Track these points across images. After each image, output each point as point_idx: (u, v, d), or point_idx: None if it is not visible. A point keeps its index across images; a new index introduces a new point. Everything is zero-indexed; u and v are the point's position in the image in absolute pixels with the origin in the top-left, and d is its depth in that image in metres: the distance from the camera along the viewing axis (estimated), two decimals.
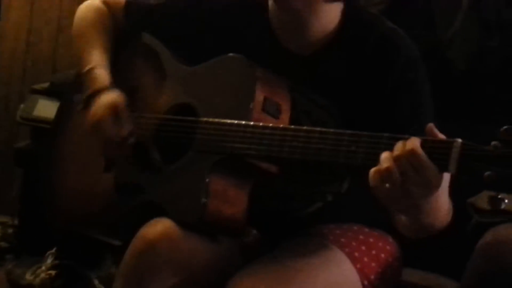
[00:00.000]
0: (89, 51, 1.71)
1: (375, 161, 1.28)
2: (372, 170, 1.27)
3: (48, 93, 2.76)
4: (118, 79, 1.71)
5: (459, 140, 1.22)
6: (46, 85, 2.81)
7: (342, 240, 1.57)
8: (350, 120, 1.52)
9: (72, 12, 1.86)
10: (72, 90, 1.86)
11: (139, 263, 1.48)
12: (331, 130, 1.38)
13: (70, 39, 3.14)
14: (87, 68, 1.69)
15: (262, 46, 1.61)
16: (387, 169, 1.25)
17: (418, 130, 1.31)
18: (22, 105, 2.82)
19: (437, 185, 1.26)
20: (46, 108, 2.70)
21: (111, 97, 1.65)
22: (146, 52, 1.72)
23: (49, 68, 3.23)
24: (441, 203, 1.34)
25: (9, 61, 3.26)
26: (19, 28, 3.24)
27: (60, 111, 1.88)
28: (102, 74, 1.68)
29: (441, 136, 1.27)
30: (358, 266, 1.54)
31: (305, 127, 1.41)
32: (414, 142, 1.25)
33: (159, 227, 1.50)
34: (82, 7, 1.80)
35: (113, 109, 1.63)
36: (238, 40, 1.62)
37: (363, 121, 1.47)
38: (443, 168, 1.24)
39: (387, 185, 1.25)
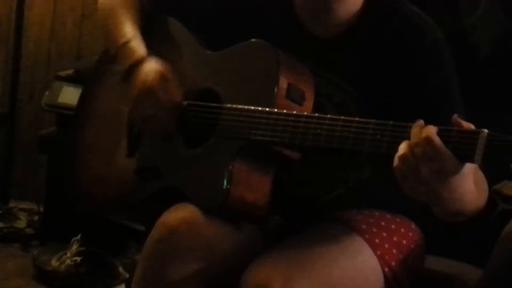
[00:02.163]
0: (120, 27, 1.69)
1: None
2: (395, 157, 1.26)
3: (73, 80, 2.78)
4: None
5: (485, 130, 1.20)
6: (70, 72, 2.83)
7: (363, 226, 1.55)
8: (371, 104, 1.50)
9: None
10: (97, 70, 1.85)
11: (161, 249, 1.48)
12: (356, 118, 1.37)
13: (94, 26, 3.20)
14: (122, 41, 1.66)
15: (285, 29, 1.60)
16: (402, 156, 1.25)
17: (449, 112, 1.29)
18: (46, 92, 2.84)
19: (454, 173, 1.24)
20: (71, 95, 2.71)
21: (156, 64, 1.63)
22: (170, 37, 1.71)
23: (73, 55, 3.25)
24: (466, 190, 1.30)
25: (33, 48, 3.28)
26: (43, 15, 3.26)
27: (82, 97, 1.88)
28: (140, 45, 1.66)
29: (467, 125, 1.24)
30: (378, 252, 1.52)
31: (329, 115, 1.40)
32: (429, 130, 1.24)
33: (180, 213, 1.50)
34: None
35: (163, 74, 1.61)
36: (261, 24, 1.61)
37: (386, 105, 1.45)
38: (469, 159, 1.22)
39: (405, 172, 1.24)
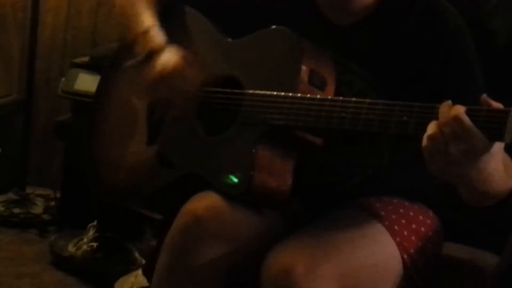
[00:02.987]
0: (139, 16, 1.69)
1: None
2: (424, 137, 1.26)
3: (88, 67, 2.79)
4: None
5: None
6: (86, 59, 2.84)
7: (382, 213, 1.56)
8: (391, 91, 1.50)
9: None
10: (116, 58, 1.85)
11: (186, 237, 1.49)
12: (381, 100, 1.37)
13: (109, 14, 3.20)
14: (142, 29, 1.66)
15: (304, 17, 1.60)
16: (431, 136, 1.25)
17: (474, 94, 1.29)
18: (63, 79, 2.86)
19: (483, 152, 1.24)
20: (87, 82, 2.73)
21: (176, 51, 1.62)
22: (189, 26, 1.71)
23: (89, 42, 3.26)
24: (493, 171, 1.30)
25: (49, 35, 3.29)
26: (59, 2, 3.27)
27: (100, 85, 1.88)
28: (158, 33, 1.66)
29: (497, 105, 1.24)
30: (397, 239, 1.53)
31: (354, 99, 1.40)
32: (458, 109, 1.24)
33: (205, 201, 1.51)
34: None
35: (182, 61, 1.61)
36: (280, 11, 1.61)
37: (406, 92, 1.45)
38: (498, 137, 1.21)
39: (434, 152, 1.25)
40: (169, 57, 1.62)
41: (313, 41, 1.54)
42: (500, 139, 1.22)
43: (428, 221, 1.62)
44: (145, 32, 1.66)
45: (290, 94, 1.46)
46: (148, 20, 1.68)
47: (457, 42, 1.53)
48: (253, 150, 1.48)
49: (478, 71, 1.53)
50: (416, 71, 1.52)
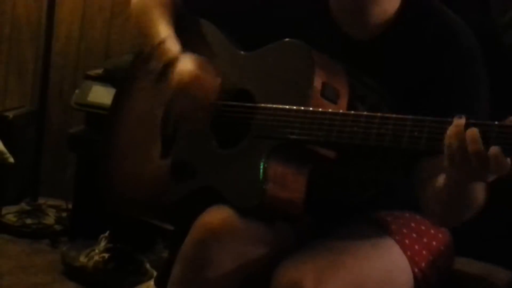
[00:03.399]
0: (155, 26, 1.69)
1: (439, 146, 1.26)
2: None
3: (102, 79, 2.80)
4: None
5: None
6: (100, 71, 2.86)
7: (393, 227, 1.56)
8: (403, 106, 1.50)
9: None
10: (132, 70, 1.85)
11: (201, 250, 1.49)
12: (393, 115, 1.36)
13: (123, 26, 3.22)
14: (157, 41, 1.66)
15: (320, 29, 1.60)
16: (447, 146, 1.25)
17: (477, 113, 1.29)
18: (76, 91, 2.87)
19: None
20: (100, 94, 2.74)
21: (192, 61, 1.63)
22: (203, 37, 1.72)
23: (102, 54, 3.27)
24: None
25: (63, 47, 3.31)
26: (73, 14, 3.29)
27: (116, 97, 1.89)
28: (174, 44, 1.66)
29: (509, 120, 1.23)
30: (408, 253, 1.53)
31: (365, 113, 1.40)
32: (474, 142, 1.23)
33: (220, 214, 1.51)
34: None
35: (198, 72, 1.61)
36: (296, 23, 1.61)
37: (417, 107, 1.45)
38: (510, 154, 1.20)
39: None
40: (185, 67, 1.62)
41: (327, 54, 1.54)
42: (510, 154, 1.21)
43: (440, 235, 1.61)
44: (161, 43, 1.66)
45: (302, 107, 1.46)
46: (163, 30, 1.68)
47: (464, 63, 1.52)
48: (265, 164, 1.48)
49: (484, 93, 1.52)
50: (425, 87, 1.52)
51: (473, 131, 1.22)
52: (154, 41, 1.67)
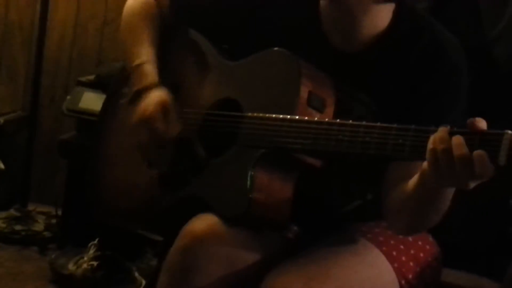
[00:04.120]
0: (138, 46, 1.71)
1: (422, 153, 1.28)
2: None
3: (94, 86, 2.80)
4: (164, 74, 1.71)
5: (510, 131, 1.20)
6: (91, 77, 2.85)
7: (380, 238, 1.56)
8: (389, 118, 1.50)
9: (118, 5, 1.87)
10: (118, 83, 1.87)
11: (186, 258, 1.49)
12: (377, 124, 1.37)
13: (115, 33, 3.22)
14: (136, 63, 1.69)
15: (310, 40, 1.61)
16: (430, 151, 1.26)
17: None
18: (68, 97, 2.87)
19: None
20: (92, 100, 2.74)
21: (161, 94, 1.64)
22: (191, 47, 1.72)
23: (95, 61, 3.27)
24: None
25: (55, 53, 3.30)
26: (66, 20, 3.29)
27: (106, 104, 1.89)
28: (151, 70, 1.68)
29: (481, 123, 1.25)
30: (395, 265, 1.53)
31: (350, 121, 1.40)
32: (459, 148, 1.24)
33: (205, 222, 1.51)
34: (130, 0, 1.80)
35: (164, 107, 1.63)
36: (285, 33, 1.62)
37: (403, 119, 1.46)
38: (493, 160, 1.21)
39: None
40: (152, 99, 1.63)
41: (316, 65, 1.54)
42: (495, 161, 1.21)
43: (427, 247, 1.62)
44: (139, 66, 1.68)
45: (289, 116, 1.47)
46: (144, 52, 1.70)
47: (449, 81, 1.53)
48: (252, 173, 1.48)
49: (460, 115, 1.52)
50: (409, 101, 1.53)
51: (458, 137, 1.24)
52: (134, 62, 1.69)
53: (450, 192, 1.38)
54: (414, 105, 1.51)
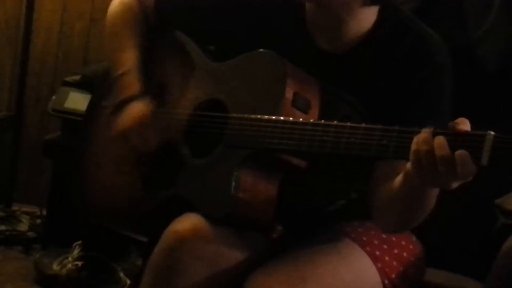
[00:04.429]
0: (121, 52, 1.72)
1: (406, 154, 1.29)
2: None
3: (79, 86, 2.78)
4: (150, 74, 1.71)
5: (492, 132, 1.21)
6: (77, 77, 2.84)
7: (364, 238, 1.56)
8: (375, 118, 1.51)
9: (105, 5, 1.86)
10: (102, 85, 1.87)
11: (170, 258, 1.49)
12: (362, 125, 1.37)
13: (101, 33, 3.20)
14: (119, 72, 1.70)
15: (295, 41, 1.61)
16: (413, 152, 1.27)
17: None
18: (53, 97, 2.85)
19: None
20: (77, 101, 2.72)
21: (140, 108, 1.66)
22: (177, 48, 1.72)
23: (81, 61, 3.26)
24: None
25: (41, 52, 3.29)
26: (52, 20, 3.27)
27: (91, 105, 1.89)
28: (133, 80, 1.69)
29: (462, 124, 1.26)
30: (379, 265, 1.53)
31: (335, 122, 1.41)
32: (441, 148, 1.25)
33: (189, 222, 1.51)
34: (115, 2, 1.79)
35: (141, 122, 1.65)
36: (271, 35, 1.62)
37: (388, 119, 1.46)
38: (475, 160, 1.22)
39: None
40: (131, 112, 1.66)
41: (302, 66, 1.55)
42: (477, 162, 1.22)
43: (411, 247, 1.62)
44: (123, 75, 1.69)
45: (273, 117, 1.47)
46: (129, 59, 1.71)
47: (433, 79, 1.54)
48: (237, 173, 1.48)
49: (446, 114, 1.53)
50: (393, 99, 1.53)
51: (441, 138, 1.24)
52: (117, 71, 1.71)
53: (435, 190, 1.39)
54: (400, 104, 1.52)
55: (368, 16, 1.57)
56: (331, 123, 1.41)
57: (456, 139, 1.23)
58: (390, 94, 1.54)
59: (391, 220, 1.48)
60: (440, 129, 1.26)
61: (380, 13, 1.57)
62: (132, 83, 1.69)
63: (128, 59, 1.71)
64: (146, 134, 1.65)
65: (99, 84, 1.95)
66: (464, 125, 1.25)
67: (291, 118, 1.46)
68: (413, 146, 1.27)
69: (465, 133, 1.23)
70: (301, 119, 1.46)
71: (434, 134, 1.26)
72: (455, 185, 1.28)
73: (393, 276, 1.54)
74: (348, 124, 1.39)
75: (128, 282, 2.53)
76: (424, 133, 1.27)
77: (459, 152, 1.22)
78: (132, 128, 1.65)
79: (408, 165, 1.31)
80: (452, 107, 1.55)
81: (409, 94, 1.53)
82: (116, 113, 1.68)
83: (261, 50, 1.55)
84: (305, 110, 1.49)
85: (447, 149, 1.23)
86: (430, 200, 1.40)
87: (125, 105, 1.67)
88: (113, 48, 1.75)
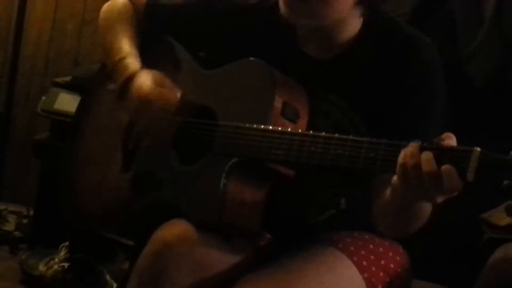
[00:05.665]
0: (118, 42, 1.72)
1: (393, 167, 1.30)
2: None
3: (70, 87, 2.79)
4: None
5: (478, 148, 1.22)
6: (68, 78, 2.84)
7: (351, 248, 1.57)
8: (366, 122, 1.53)
9: (97, 6, 1.88)
10: (94, 84, 1.88)
11: (155, 264, 1.49)
12: (350, 137, 1.38)
13: (93, 34, 3.21)
14: (118, 57, 1.70)
15: (284, 50, 1.62)
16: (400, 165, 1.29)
17: (424, 136, 1.32)
18: (43, 97, 2.85)
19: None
20: (67, 102, 2.72)
21: (149, 74, 1.66)
22: (166, 56, 1.73)
23: (71, 62, 3.26)
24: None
25: (32, 52, 3.29)
26: (43, 20, 3.27)
27: (81, 106, 1.89)
28: (133, 61, 1.69)
29: (448, 139, 1.28)
30: (365, 275, 1.54)
31: (323, 133, 1.42)
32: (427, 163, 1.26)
33: (176, 228, 1.51)
34: (109, 2, 1.81)
35: (157, 82, 1.64)
36: (260, 42, 1.63)
37: (378, 123, 1.48)
38: (461, 176, 1.23)
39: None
40: (143, 80, 1.64)
41: (291, 74, 1.55)
42: (463, 177, 1.23)
43: (398, 258, 1.63)
44: (122, 59, 1.69)
45: (262, 126, 1.48)
46: (125, 47, 1.71)
47: (424, 80, 1.54)
48: (225, 181, 1.48)
49: (437, 114, 1.55)
50: (385, 103, 1.54)
51: (428, 153, 1.26)
52: (115, 57, 1.70)
53: (425, 204, 1.40)
54: (390, 107, 1.53)
55: (354, 22, 1.58)
56: (319, 134, 1.42)
57: (443, 154, 1.25)
58: (380, 98, 1.55)
59: (386, 228, 1.50)
60: (427, 143, 1.28)
61: (365, 16, 1.58)
62: (132, 63, 1.69)
63: (125, 46, 1.72)
64: (167, 85, 1.64)
65: (89, 84, 1.94)
66: (450, 139, 1.27)
67: (279, 128, 1.47)
68: (400, 160, 1.29)
69: (451, 148, 1.25)
70: (289, 129, 1.47)
71: (422, 149, 1.27)
72: (440, 199, 1.30)
73: (380, 286, 1.55)
74: (336, 135, 1.40)
75: (115, 285, 2.53)
76: (411, 147, 1.28)
77: (445, 167, 1.24)
78: (151, 87, 1.62)
79: (394, 178, 1.33)
80: (444, 113, 1.56)
81: (399, 98, 1.53)
82: (124, 93, 1.66)
83: (250, 58, 1.56)
84: (293, 119, 1.50)
85: (433, 164, 1.25)
86: (422, 210, 1.42)
87: (130, 82, 1.66)
88: (109, 40, 1.75)
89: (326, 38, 1.58)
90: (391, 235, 1.57)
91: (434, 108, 1.55)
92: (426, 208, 1.42)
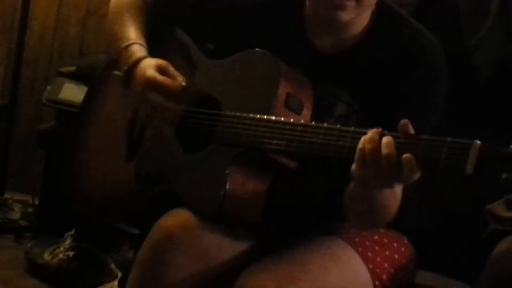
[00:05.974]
0: (125, 31, 1.72)
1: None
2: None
3: (74, 77, 2.79)
4: None
5: (478, 141, 1.22)
6: (72, 68, 2.85)
7: (356, 239, 1.58)
8: (370, 116, 1.53)
9: None
10: (102, 74, 1.87)
11: (158, 252, 1.50)
12: (351, 128, 1.39)
13: (97, 24, 3.21)
14: (124, 44, 1.69)
15: (294, 43, 1.62)
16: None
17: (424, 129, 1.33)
18: (48, 87, 2.86)
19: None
20: (72, 92, 2.73)
21: (154, 60, 1.66)
22: (174, 44, 1.73)
23: (76, 52, 3.26)
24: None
25: (36, 43, 3.29)
26: (48, 11, 3.27)
27: (88, 95, 1.89)
28: (139, 48, 1.69)
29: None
30: (370, 266, 1.55)
31: (325, 124, 1.42)
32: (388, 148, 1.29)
33: (178, 217, 1.52)
34: None
35: (161, 66, 1.64)
36: (270, 35, 1.63)
37: (379, 119, 1.48)
38: (460, 169, 1.23)
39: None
40: (147, 64, 1.64)
41: (299, 67, 1.56)
42: (461, 170, 1.23)
43: (402, 249, 1.64)
44: (128, 47, 1.69)
45: (265, 116, 1.48)
46: (132, 34, 1.71)
47: (428, 81, 1.55)
48: (227, 171, 1.49)
49: (437, 115, 1.55)
50: (388, 98, 1.55)
51: (388, 138, 1.28)
52: (122, 45, 1.70)
53: (392, 193, 1.40)
54: (393, 103, 1.53)
55: (364, 17, 1.58)
56: (321, 125, 1.42)
57: (407, 142, 1.27)
58: (382, 95, 1.55)
59: (352, 219, 1.51)
60: (388, 131, 1.30)
61: (374, 13, 1.58)
62: (138, 51, 1.68)
63: (132, 34, 1.71)
64: (172, 72, 1.63)
65: (97, 74, 1.94)
66: (411, 129, 1.28)
67: (282, 118, 1.47)
68: (360, 145, 1.31)
69: (451, 141, 1.24)
70: (292, 120, 1.47)
71: (382, 135, 1.29)
72: (398, 186, 1.32)
73: (384, 277, 1.56)
74: (338, 127, 1.40)
75: (119, 274, 2.54)
76: (371, 133, 1.30)
77: (406, 156, 1.25)
78: (155, 73, 1.62)
79: (353, 166, 1.34)
80: (444, 109, 1.56)
81: (401, 96, 1.54)
82: (129, 79, 1.66)
83: (256, 49, 1.56)
84: (297, 111, 1.51)
85: (392, 148, 1.27)
86: (385, 202, 1.42)
87: (135, 68, 1.65)
88: (116, 28, 1.74)
89: (340, 31, 1.58)
90: (358, 227, 1.58)
91: (434, 108, 1.55)
92: (391, 201, 1.43)
